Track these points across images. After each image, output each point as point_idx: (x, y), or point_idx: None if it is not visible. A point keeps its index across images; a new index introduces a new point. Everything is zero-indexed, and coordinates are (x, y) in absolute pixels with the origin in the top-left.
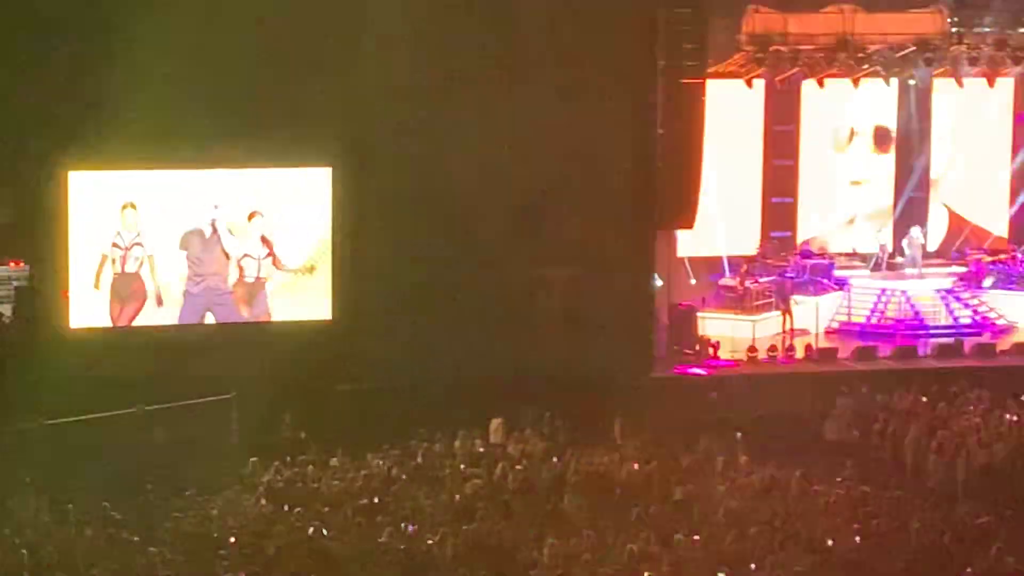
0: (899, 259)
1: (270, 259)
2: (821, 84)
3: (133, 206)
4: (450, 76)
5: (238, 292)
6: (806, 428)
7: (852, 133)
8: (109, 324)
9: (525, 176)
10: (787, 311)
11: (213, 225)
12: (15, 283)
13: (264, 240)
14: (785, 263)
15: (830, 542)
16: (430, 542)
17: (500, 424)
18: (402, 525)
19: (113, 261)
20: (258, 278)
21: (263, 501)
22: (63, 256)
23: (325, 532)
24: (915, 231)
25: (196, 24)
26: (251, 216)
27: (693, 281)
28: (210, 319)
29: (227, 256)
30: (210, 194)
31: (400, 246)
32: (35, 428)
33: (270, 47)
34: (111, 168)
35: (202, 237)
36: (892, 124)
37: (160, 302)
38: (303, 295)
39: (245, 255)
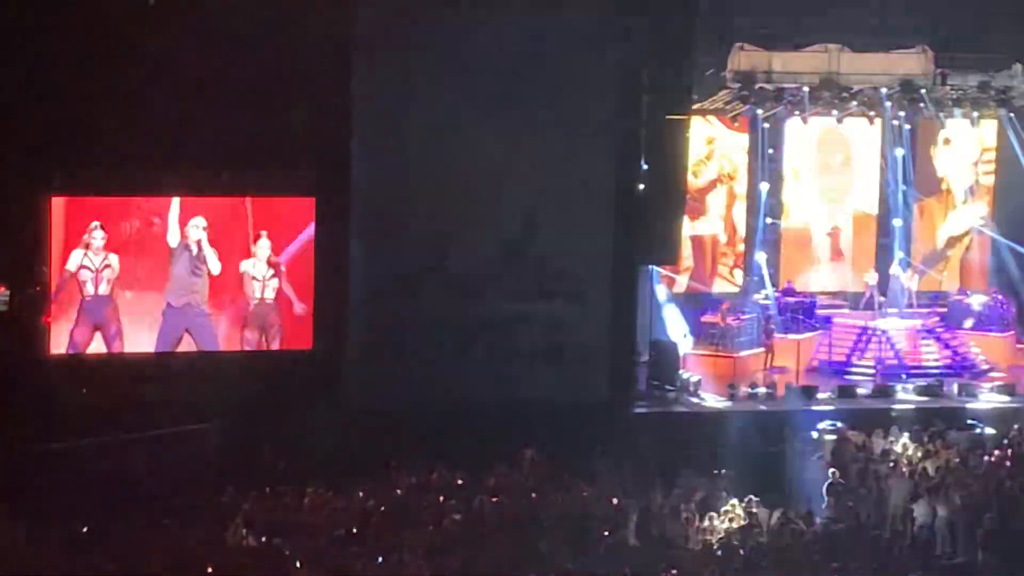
0: (882, 299)
1: (276, 280)
2: (805, 122)
3: (102, 227)
4: (432, 108)
5: (240, 311)
6: (785, 466)
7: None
8: (90, 351)
9: (509, 208)
10: (770, 349)
11: (198, 244)
12: None
13: (271, 263)
14: (767, 301)
15: None
16: None
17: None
18: (377, 559)
19: (83, 283)
20: (262, 299)
21: (241, 531)
22: (43, 281)
23: (299, 564)
24: (900, 271)
25: (179, 51)
26: (256, 238)
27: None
28: (187, 340)
29: (209, 275)
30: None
31: (381, 276)
32: (12, 454)
33: (253, 74)
34: (94, 193)
35: (189, 254)
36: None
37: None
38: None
39: (252, 277)
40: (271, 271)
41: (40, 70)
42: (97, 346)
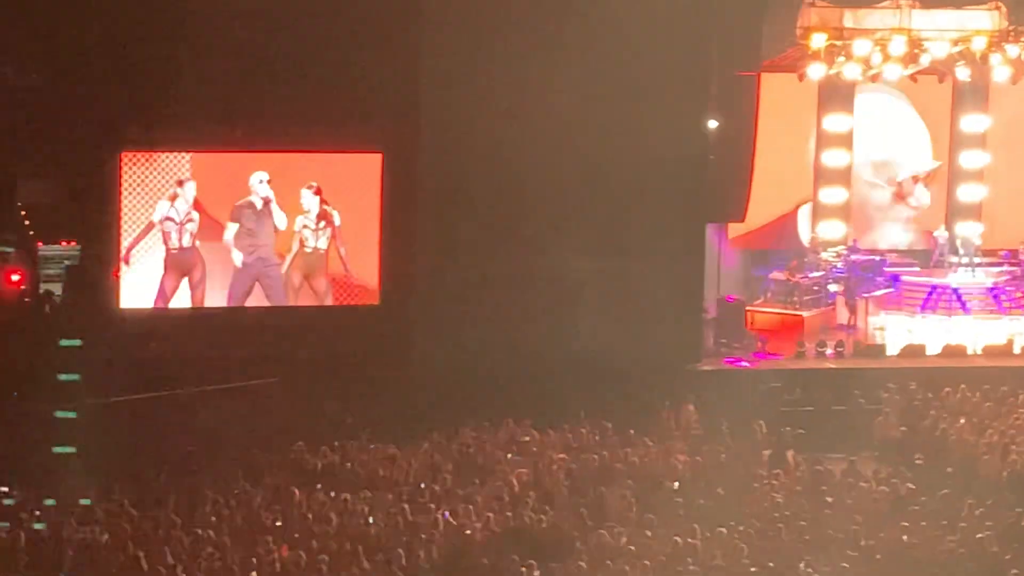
0: (953, 258)
1: (329, 230)
2: (875, 80)
3: (185, 182)
4: (503, 63)
5: (297, 263)
6: (853, 424)
7: None
8: (159, 304)
9: (577, 165)
10: (852, 307)
11: (264, 198)
12: (66, 262)
13: (323, 213)
14: (836, 259)
15: (872, 541)
16: (468, 532)
17: None
18: (443, 513)
19: (168, 236)
20: (316, 249)
21: (310, 486)
22: (114, 236)
23: (371, 519)
24: (968, 228)
25: (248, 4)
26: (309, 188)
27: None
28: (258, 290)
29: (276, 228)
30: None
31: (449, 233)
32: (83, 408)
33: (324, 28)
34: (163, 149)
35: (253, 209)
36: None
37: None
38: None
39: (304, 226)
40: (324, 222)
41: (108, 26)
42: (179, 298)
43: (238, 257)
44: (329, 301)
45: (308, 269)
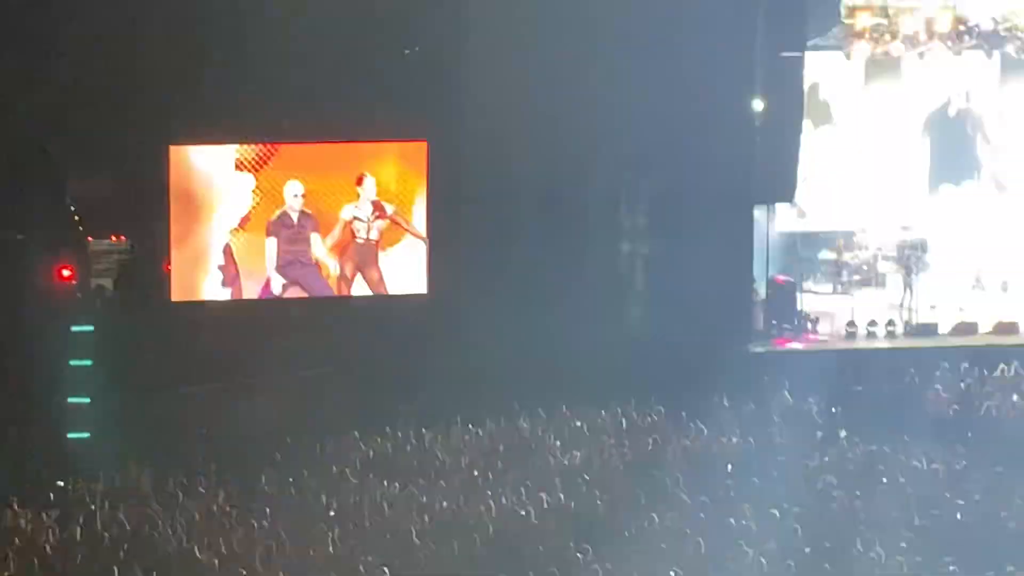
0: None
1: (380, 221)
2: (922, 57)
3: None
4: (544, 45)
5: (349, 254)
6: (906, 403)
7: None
8: (210, 297)
9: (624, 149)
10: (908, 285)
11: (300, 211)
12: (116, 256)
13: (375, 203)
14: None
15: (926, 520)
16: (523, 513)
17: None
18: (501, 498)
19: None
20: (368, 240)
21: (363, 474)
22: (164, 230)
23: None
24: None
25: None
26: (360, 180)
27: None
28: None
29: (312, 234)
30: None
31: (497, 220)
32: (135, 401)
33: (366, 16)
34: (211, 143)
35: (289, 222)
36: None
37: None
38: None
39: (355, 218)
40: (376, 212)
41: (155, 19)
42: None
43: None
44: (384, 291)
45: (361, 260)
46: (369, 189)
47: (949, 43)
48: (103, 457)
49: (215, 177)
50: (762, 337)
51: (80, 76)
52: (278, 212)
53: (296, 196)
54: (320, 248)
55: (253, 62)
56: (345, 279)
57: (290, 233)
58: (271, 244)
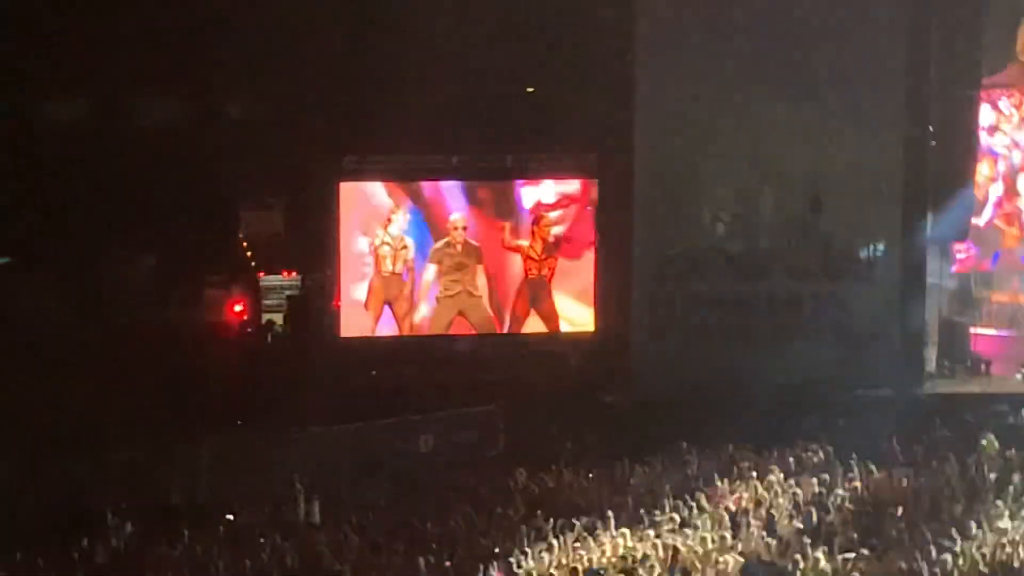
0: None
1: (553, 260)
2: None
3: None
4: (714, 86)
5: (522, 290)
6: None
7: None
8: (378, 333)
9: (793, 185)
10: None
11: (463, 238)
12: (287, 292)
13: (545, 240)
14: None
15: None
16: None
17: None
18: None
19: (382, 260)
20: (540, 276)
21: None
22: (333, 265)
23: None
24: None
25: (462, 37)
26: (538, 220)
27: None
28: (462, 323)
29: (477, 267)
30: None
31: (664, 258)
32: (305, 434)
33: (533, 57)
34: (380, 179)
35: (453, 250)
36: None
37: (414, 304)
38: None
39: (528, 256)
40: (546, 251)
41: (326, 62)
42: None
43: (452, 289)
44: (555, 326)
45: (533, 295)
46: (545, 228)
47: None
48: (277, 488)
49: (381, 212)
50: (934, 378)
51: (252, 114)
52: (442, 241)
53: (456, 228)
54: (483, 279)
55: (423, 102)
56: (516, 318)
57: (453, 259)
58: (431, 271)
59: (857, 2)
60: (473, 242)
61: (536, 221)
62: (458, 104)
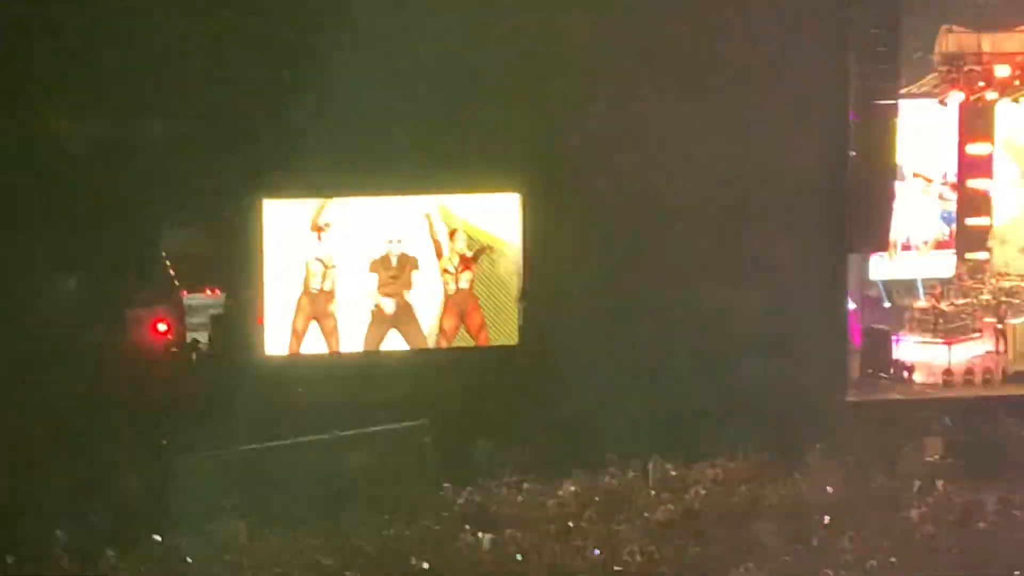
0: None
1: (469, 273)
2: (1016, 102)
3: (328, 226)
4: (636, 100)
5: (448, 305)
6: (1004, 452)
7: None
8: (303, 351)
9: (717, 199)
10: (1002, 333)
11: (400, 254)
12: (211, 311)
13: (463, 258)
14: (981, 285)
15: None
16: (617, 569)
17: None
18: (594, 550)
19: (310, 277)
20: (459, 289)
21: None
22: (258, 284)
23: (519, 556)
24: None
25: (384, 50)
26: (452, 234)
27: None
28: (395, 335)
29: (412, 271)
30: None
31: (587, 271)
32: (232, 454)
33: (458, 71)
34: (304, 196)
35: (389, 264)
36: None
37: (343, 320)
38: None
39: (445, 270)
40: (463, 264)
41: (247, 77)
42: (313, 342)
43: (387, 304)
44: (484, 339)
45: (460, 309)
46: (460, 241)
47: None
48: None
49: (306, 230)
50: (857, 386)
51: (174, 131)
52: (375, 256)
53: (391, 241)
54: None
55: (347, 116)
56: (444, 332)
57: (391, 271)
58: (372, 280)
59: (774, 10)
60: (409, 255)
61: (451, 235)
62: (386, 118)
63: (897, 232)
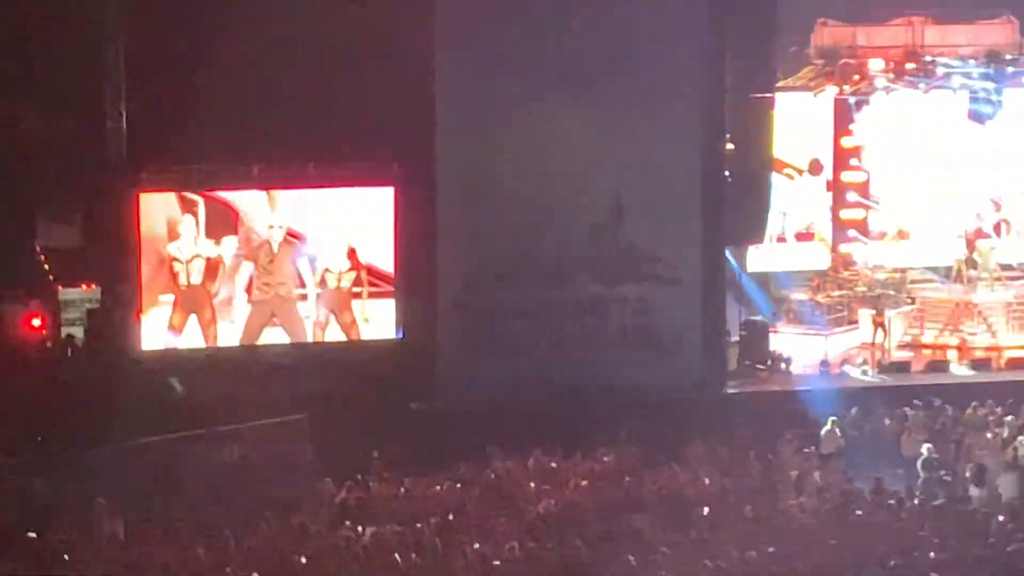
0: (972, 272)
1: (354, 272)
2: (887, 94)
3: (193, 215)
4: (515, 96)
5: (323, 299)
6: (881, 441)
7: None
8: (181, 345)
9: (594, 192)
10: (880, 324)
11: (281, 241)
12: (87, 306)
13: (350, 253)
14: (856, 277)
15: (902, 559)
16: (496, 563)
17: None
18: (474, 544)
19: (187, 271)
20: (339, 288)
21: (338, 521)
22: (134, 278)
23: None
24: (991, 243)
25: (259, 45)
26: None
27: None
28: (275, 329)
29: (292, 265)
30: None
31: (469, 265)
32: (110, 450)
33: (333, 65)
34: (180, 189)
35: (270, 249)
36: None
37: (221, 314)
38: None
39: (326, 269)
40: (348, 262)
41: (125, 69)
42: (190, 336)
43: (264, 297)
44: (356, 335)
45: (334, 305)
46: (343, 239)
47: (917, 81)
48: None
49: (183, 223)
50: (737, 377)
51: (49, 125)
52: (260, 239)
53: (271, 227)
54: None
55: (222, 109)
56: (319, 324)
57: (270, 258)
58: (247, 269)
59: (652, 7)
60: (290, 242)
61: (351, 255)
62: (260, 113)
63: (773, 224)
